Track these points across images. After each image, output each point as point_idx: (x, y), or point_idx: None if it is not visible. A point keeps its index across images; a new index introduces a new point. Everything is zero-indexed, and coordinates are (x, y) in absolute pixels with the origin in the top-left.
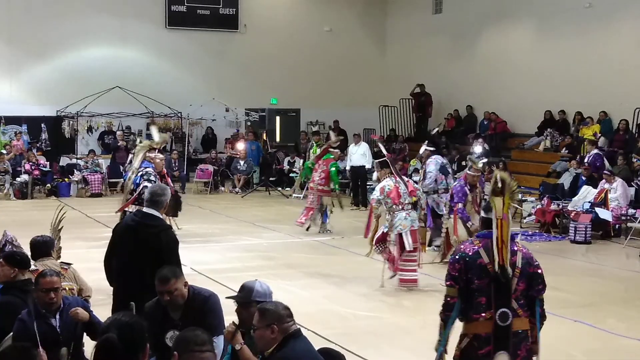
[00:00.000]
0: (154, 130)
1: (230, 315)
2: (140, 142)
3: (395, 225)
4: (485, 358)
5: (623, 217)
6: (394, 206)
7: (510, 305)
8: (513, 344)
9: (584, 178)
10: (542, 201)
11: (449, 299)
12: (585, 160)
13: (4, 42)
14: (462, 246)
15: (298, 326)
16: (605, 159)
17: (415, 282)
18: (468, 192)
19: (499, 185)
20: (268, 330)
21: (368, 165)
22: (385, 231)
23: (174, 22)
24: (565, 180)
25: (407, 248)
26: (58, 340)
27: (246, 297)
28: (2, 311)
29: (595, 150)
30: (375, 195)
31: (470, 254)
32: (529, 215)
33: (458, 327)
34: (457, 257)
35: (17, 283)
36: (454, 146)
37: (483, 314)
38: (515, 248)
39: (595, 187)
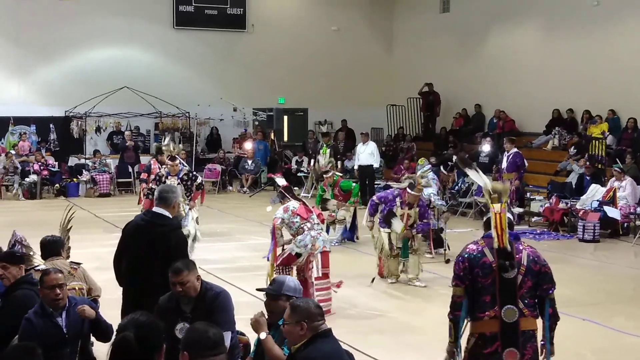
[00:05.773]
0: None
1: (240, 314)
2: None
3: (304, 245)
4: (490, 357)
5: (631, 216)
6: (302, 224)
7: (516, 303)
8: (520, 343)
9: (587, 177)
10: (551, 200)
11: (456, 298)
12: (504, 159)
13: (12, 43)
14: (468, 247)
15: (329, 326)
16: (523, 157)
17: (328, 312)
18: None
19: (496, 196)
20: (297, 326)
21: (376, 165)
22: (293, 253)
23: (182, 22)
24: (573, 179)
25: (316, 274)
26: (64, 340)
27: (277, 289)
28: (19, 306)
29: (514, 150)
30: (279, 214)
31: (474, 253)
32: (538, 214)
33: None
34: (462, 257)
35: (24, 277)
36: (462, 145)
37: (487, 312)
38: (521, 247)
39: (602, 185)
